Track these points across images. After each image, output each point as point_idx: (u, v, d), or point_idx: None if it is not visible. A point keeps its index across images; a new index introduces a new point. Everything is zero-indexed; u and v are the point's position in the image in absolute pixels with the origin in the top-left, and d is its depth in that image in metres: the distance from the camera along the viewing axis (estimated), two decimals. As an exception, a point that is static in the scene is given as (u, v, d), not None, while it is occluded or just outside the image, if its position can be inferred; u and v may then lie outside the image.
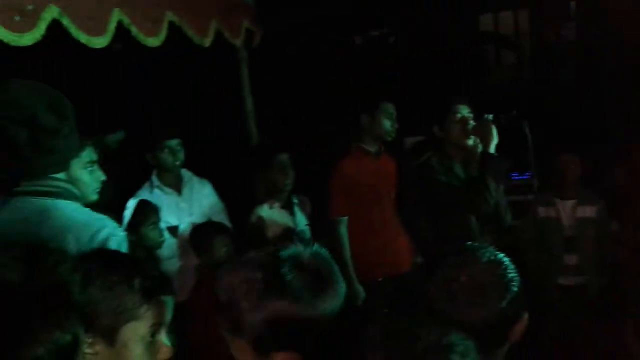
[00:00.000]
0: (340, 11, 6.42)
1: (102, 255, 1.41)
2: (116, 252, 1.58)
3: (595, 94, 6.04)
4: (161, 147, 3.34)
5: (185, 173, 3.47)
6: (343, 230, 3.30)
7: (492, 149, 2.84)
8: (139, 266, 1.36)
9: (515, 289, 1.33)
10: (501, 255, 1.39)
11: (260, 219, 3.20)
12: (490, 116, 2.87)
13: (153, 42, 2.86)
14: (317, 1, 6.10)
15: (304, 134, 4.21)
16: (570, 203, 3.62)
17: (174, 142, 3.36)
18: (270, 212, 3.23)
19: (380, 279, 3.36)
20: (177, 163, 3.39)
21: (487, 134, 2.84)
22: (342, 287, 1.20)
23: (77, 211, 1.87)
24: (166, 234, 3.31)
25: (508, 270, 1.35)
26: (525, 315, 1.35)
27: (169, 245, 3.29)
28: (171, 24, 2.99)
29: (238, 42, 3.57)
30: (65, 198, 1.86)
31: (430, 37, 7.16)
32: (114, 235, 1.82)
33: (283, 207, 3.27)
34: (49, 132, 1.79)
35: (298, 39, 5.95)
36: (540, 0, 7.39)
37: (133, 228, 2.94)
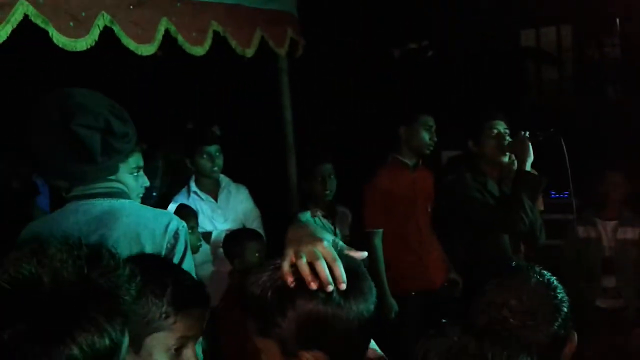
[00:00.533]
0: (379, 23, 6.44)
1: (141, 260, 1.40)
2: (155, 258, 1.59)
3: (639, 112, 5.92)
4: (200, 152, 3.39)
5: (224, 179, 3.51)
6: (378, 242, 3.29)
7: (527, 166, 2.81)
8: (173, 275, 1.36)
9: (565, 309, 1.33)
10: (548, 275, 1.38)
11: None
12: (527, 133, 2.83)
13: (198, 51, 2.92)
14: (358, 13, 6.13)
15: (343, 144, 4.22)
16: (611, 224, 3.54)
17: (213, 148, 3.41)
18: (312, 221, 3.24)
19: (413, 293, 3.33)
20: (215, 169, 3.43)
21: (523, 151, 2.81)
22: (371, 290, 1.20)
23: (143, 208, 1.93)
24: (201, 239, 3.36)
25: (557, 292, 1.35)
26: (575, 336, 1.34)
27: (203, 250, 3.33)
28: (215, 33, 3.05)
29: (282, 51, 3.61)
30: (125, 198, 1.91)
31: (470, 51, 7.12)
32: (181, 225, 1.87)
33: (325, 216, 3.28)
34: (120, 137, 1.85)
35: (338, 50, 5.98)
36: (583, 16, 7.27)
37: None
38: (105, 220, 1.83)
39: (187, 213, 3.08)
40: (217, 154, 3.42)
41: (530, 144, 2.81)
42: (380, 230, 3.33)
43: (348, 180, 3.41)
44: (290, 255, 1.17)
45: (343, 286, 1.13)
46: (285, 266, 1.16)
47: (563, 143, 2.76)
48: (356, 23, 6.25)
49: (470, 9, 6.47)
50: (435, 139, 3.36)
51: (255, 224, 3.42)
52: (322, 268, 1.13)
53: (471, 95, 6.30)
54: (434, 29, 7.05)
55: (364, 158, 3.71)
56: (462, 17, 6.65)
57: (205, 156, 3.40)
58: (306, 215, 3.24)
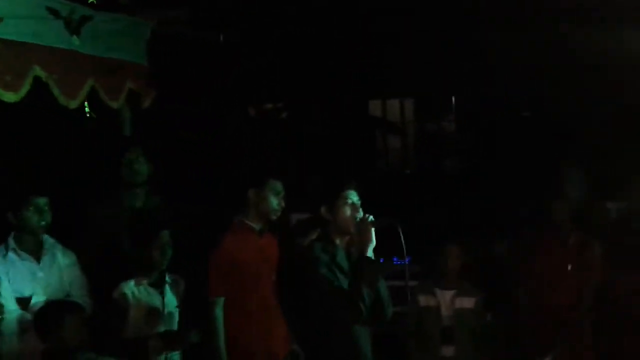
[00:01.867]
0: (237, 80, 6.42)
1: None
2: None
3: (476, 184, 6.39)
4: (27, 204, 3.02)
5: (48, 239, 3.14)
6: (218, 312, 3.13)
7: (369, 252, 2.80)
8: None
9: None
10: None
11: (123, 296, 2.94)
12: (371, 217, 2.83)
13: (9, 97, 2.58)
14: (215, 69, 6.05)
15: (187, 206, 4.02)
16: (450, 293, 3.66)
17: (42, 201, 3.05)
18: (136, 290, 2.99)
19: None
20: (43, 224, 3.07)
21: (366, 237, 2.79)
22: None
23: None
24: (14, 306, 2.94)
25: None
26: None
27: (20, 318, 2.92)
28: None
29: (115, 104, 3.39)
30: None
31: (321, 116, 7.31)
32: None
33: (152, 284, 3.03)
34: None
35: (190, 105, 5.82)
36: (423, 92, 7.83)
37: None
38: None
39: None
40: (46, 207, 3.07)
41: (372, 229, 2.80)
42: (222, 298, 3.16)
43: (193, 245, 3.22)
44: None
45: None
46: None
47: (400, 231, 2.80)
48: (213, 79, 6.16)
49: (323, 75, 6.67)
50: (283, 205, 3.28)
51: (82, 293, 3.08)
52: None
53: (323, 158, 6.41)
54: (289, 91, 7.16)
55: (211, 221, 3.54)
56: (315, 81, 6.84)
57: (32, 208, 3.02)
58: (129, 285, 2.99)
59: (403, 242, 2.78)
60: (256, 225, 3.26)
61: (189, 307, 3.16)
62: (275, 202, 3.24)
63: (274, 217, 3.28)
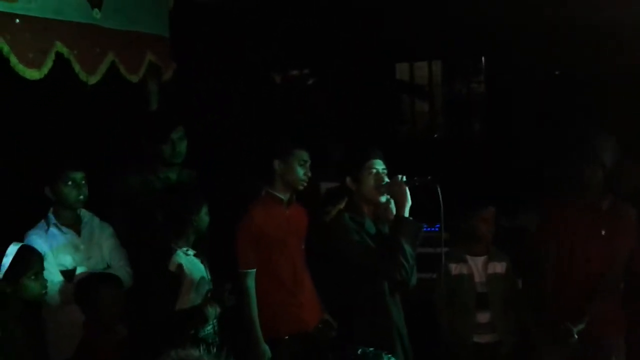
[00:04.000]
0: (262, 48, 6.35)
1: None
2: None
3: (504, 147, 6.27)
4: (64, 179, 3.05)
5: (85, 213, 3.19)
6: (250, 283, 3.14)
7: (406, 212, 2.78)
8: None
9: None
10: None
11: (180, 267, 2.93)
12: (404, 177, 2.80)
13: (33, 74, 2.58)
14: (240, 37, 5.99)
15: (219, 176, 4.03)
16: (481, 259, 3.62)
17: (78, 175, 3.08)
18: (188, 260, 2.99)
19: (286, 337, 3.20)
20: (81, 198, 3.10)
21: (400, 197, 2.78)
22: None
23: None
24: (59, 278, 3.01)
25: None
26: None
27: (65, 291, 2.98)
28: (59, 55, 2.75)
29: (135, 78, 3.35)
30: None
31: (350, 80, 7.22)
32: None
33: (196, 255, 3.06)
34: None
35: (216, 75, 5.79)
36: (452, 53, 7.64)
37: (11, 278, 2.62)
38: None
39: (30, 256, 2.73)
40: (83, 182, 3.10)
41: (407, 188, 2.79)
42: (253, 270, 3.18)
43: (222, 217, 3.22)
44: None
45: None
46: None
47: (439, 190, 2.76)
48: (238, 47, 6.10)
49: (349, 39, 6.56)
50: (309, 174, 3.25)
51: (121, 264, 3.13)
52: None
53: (349, 125, 6.35)
54: (316, 57, 7.07)
55: (239, 191, 3.54)
56: (341, 46, 6.72)
57: (70, 183, 3.06)
58: (180, 255, 2.99)
59: (441, 201, 2.76)
60: (283, 196, 3.24)
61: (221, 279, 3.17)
62: (301, 171, 3.21)
63: (301, 187, 3.26)
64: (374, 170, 2.85)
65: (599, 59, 5.20)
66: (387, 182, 2.85)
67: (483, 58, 7.69)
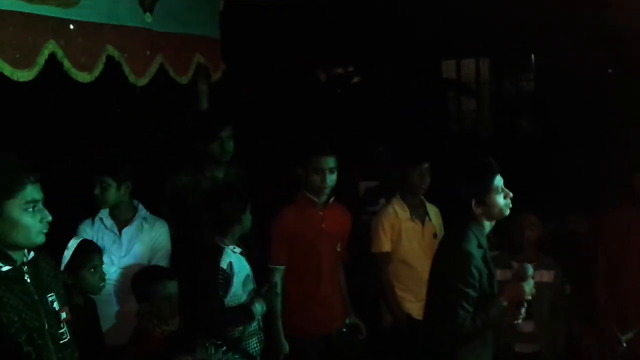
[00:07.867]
0: (308, 47, 6.36)
1: None
2: None
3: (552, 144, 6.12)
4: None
5: (141, 210, 3.26)
6: (277, 279, 3.18)
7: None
8: None
9: None
10: None
11: (230, 265, 2.98)
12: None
13: (84, 77, 2.65)
14: (286, 36, 6.03)
15: (260, 176, 4.06)
16: (527, 266, 3.54)
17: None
18: (236, 258, 3.01)
19: (309, 339, 3.22)
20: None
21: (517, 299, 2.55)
22: None
23: None
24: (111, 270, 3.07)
25: None
26: None
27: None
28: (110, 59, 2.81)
29: (184, 79, 3.37)
30: None
31: (395, 79, 7.17)
32: None
33: (242, 253, 3.10)
34: None
35: (260, 74, 5.84)
36: (500, 51, 7.50)
37: (72, 270, 2.71)
38: None
39: (90, 250, 2.82)
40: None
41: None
42: (282, 267, 3.21)
43: (262, 214, 3.26)
44: None
45: None
46: None
47: None
48: (284, 46, 6.13)
49: (395, 36, 6.51)
50: (329, 182, 3.15)
51: (161, 262, 3.19)
52: None
53: (394, 123, 6.30)
54: (360, 55, 7.04)
55: (281, 190, 3.56)
56: (387, 43, 6.68)
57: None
58: (228, 253, 2.97)
59: None
60: (316, 198, 3.24)
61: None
62: (317, 179, 3.16)
63: (323, 194, 3.21)
64: (499, 187, 2.60)
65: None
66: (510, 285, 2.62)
67: (532, 55, 7.53)
